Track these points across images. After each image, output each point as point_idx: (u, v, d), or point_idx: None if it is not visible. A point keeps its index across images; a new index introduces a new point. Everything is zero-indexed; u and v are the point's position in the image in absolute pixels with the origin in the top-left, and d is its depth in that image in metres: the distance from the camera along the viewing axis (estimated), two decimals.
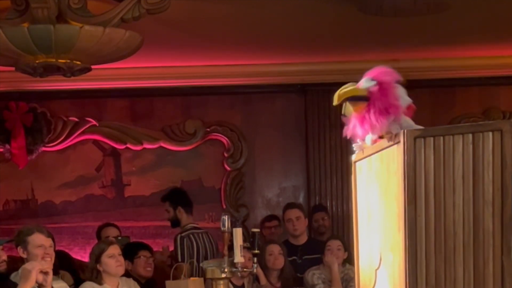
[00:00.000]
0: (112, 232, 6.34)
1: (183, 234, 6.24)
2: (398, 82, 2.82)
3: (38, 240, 4.48)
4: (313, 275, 5.87)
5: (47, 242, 4.51)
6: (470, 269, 2.67)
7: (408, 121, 2.80)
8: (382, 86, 2.78)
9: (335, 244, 5.97)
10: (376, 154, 2.90)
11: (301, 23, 5.92)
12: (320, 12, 5.59)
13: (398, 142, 2.67)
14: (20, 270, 4.38)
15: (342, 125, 2.96)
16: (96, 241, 6.09)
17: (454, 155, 2.65)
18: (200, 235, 6.31)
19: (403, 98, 2.80)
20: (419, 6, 5.20)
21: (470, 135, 2.65)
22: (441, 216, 2.65)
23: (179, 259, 6.06)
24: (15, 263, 4.65)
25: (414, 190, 2.63)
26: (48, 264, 4.18)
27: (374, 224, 2.97)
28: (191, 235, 6.25)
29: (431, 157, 2.65)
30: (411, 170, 2.63)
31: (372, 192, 2.97)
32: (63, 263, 6.11)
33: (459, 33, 6.36)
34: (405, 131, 2.64)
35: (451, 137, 2.65)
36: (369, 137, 2.90)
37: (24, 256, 4.48)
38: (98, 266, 4.91)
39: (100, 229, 6.49)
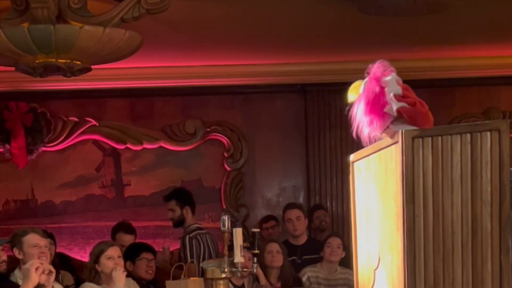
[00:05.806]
0: (127, 240, 6.15)
1: (191, 235, 6.17)
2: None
3: (33, 240, 4.51)
4: (304, 274, 5.88)
5: (42, 241, 4.54)
6: (469, 269, 2.67)
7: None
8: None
9: (335, 241, 5.98)
10: (374, 154, 2.90)
11: (301, 23, 5.92)
12: (320, 12, 5.59)
13: (396, 142, 2.67)
14: (15, 271, 4.41)
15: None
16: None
17: (452, 155, 2.65)
18: (204, 236, 6.27)
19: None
20: (419, 6, 5.20)
21: (468, 135, 2.65)
22: (439, 216, 2.65)
23: (188, 260, 5.94)
24: (16, 263, 4.67)
25: (412, 190, 2.63)
26: (49, 265, 4.19)
27: (373, 224, 2.97)
28: (198, 236, 6.21)
29: (429, 157, 2.64)
30: (409, 170, 2.62)
31: (371, 192, 2.97)
32: (64, 264, 6.11)
33: (459, 33, 6.36)
34: (403, 131, 2.64)
35: (449, 137, 2.65)
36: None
37: (20, 257, 4.51)
38: (96, 266, 4.91)
39: (115, 231, 6.34)
